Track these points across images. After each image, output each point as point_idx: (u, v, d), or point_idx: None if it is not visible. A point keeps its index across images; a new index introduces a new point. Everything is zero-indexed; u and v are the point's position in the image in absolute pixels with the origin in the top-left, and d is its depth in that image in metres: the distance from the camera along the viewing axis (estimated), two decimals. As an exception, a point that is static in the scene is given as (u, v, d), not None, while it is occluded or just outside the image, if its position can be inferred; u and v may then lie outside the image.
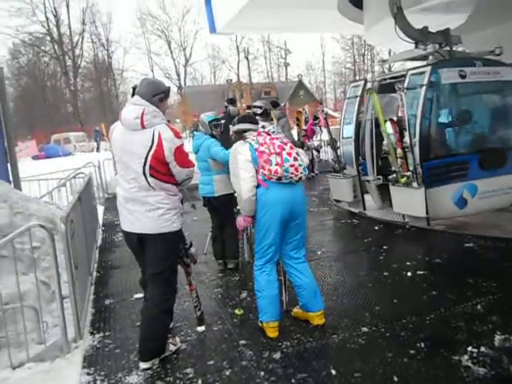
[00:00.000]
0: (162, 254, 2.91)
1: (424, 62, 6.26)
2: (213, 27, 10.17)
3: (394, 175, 5.87)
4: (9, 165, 5.75)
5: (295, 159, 3.04)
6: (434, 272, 4.19)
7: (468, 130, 5.94)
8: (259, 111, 5.20)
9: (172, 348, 3.05)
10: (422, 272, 4.17)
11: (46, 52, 42.93)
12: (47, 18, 41.13)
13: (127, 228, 2.98)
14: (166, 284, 2.95)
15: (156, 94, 2.86)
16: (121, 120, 2.88)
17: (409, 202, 5.64)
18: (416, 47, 6.38)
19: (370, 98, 6.37)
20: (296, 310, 3.43)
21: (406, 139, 5.54)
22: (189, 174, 2.95)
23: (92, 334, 3.48)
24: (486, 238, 5.01)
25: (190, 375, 2.77)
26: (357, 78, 47.89)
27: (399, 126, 5.77)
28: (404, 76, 6.02)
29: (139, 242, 2.94)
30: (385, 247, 5.07)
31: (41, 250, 4.13)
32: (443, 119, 5.93)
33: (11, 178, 5.70)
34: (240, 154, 3.10)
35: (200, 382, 2.69)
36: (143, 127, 2.78)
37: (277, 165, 3.00)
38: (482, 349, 2.75)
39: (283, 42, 46.70)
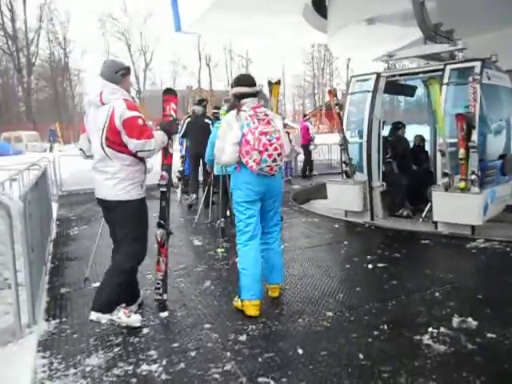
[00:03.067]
0: (120, 220, 3.14)
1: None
2: (178, 25, 10.10)
3: (445, 180, 5.28)
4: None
5: (274, 160, 3.15)
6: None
7: (504, 134, 5.90)
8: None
9: (122, 317, 3.03)
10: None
11: (-1, 47, 41.16)
12: (1, 12, 39.47)
13: (96, 194, 3.23)
14: (125, 248, 3.13)
15: (117, 71, 3.12)
16: (89, 98, 3.18)
17: (464, 210, 5.14)
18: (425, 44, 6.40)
19: (429, 88, 5.60)
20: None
21: (474, 138, 5.09)
22: (139, 144, 3.01)
23: (47, 320, 3.30)
24: None
25: (154, 356, 2.68)
26: (315, 91, 49.16)
27: (467, 123, 5.14)
28: (415, 73, 6.11)
29: (105, 210, 3.24)
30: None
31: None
32: (495, 120, 5.71)
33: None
34: (230, 130, 3.22)
35: (164, 362, 2.61)
36: (102, 103, 3.04)
37: (254, 161, 3.12)
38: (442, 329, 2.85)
39: (245, 51, 47.09)
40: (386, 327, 2.92)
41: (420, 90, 8.17)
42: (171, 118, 3.47)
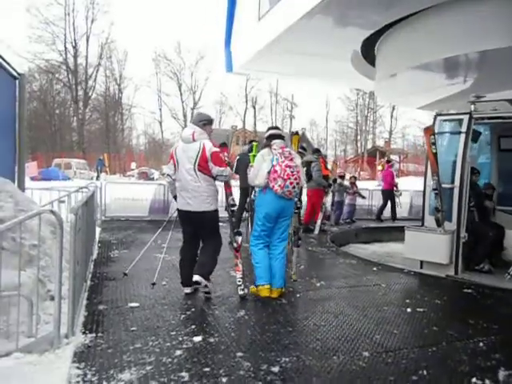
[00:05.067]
0: (206, 224, 4.37)
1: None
2: (230, 67, 10.53)
3: None
4: (16, 168, 5.78)
5: (293, 187, 4.25)
6: None
7: None
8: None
9: (209, 286, 4.32)
10: None
11: (60, 80, 43.93)
12: (66, 48, 42.37)
13: (182, 207, 4.36)
14: (214, 240, 4.44)
15: (200, 121, 4.42)
16: (181, 137, 4.44)
17: None
18: None
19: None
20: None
21: None
22: (219, 171, 4.27)
23: (84, 333, 3.36)
24: None
25: (185, 378, 2.66)
26: (358, 137, 49.24)
27: None
28: (501, 118, 5.88)
29: (189, 219, 4.37)
30: None
31: (40, 249, 4.08)
32: None
33: (16, 181, 5.70)
34: (265, 161, 4.32)
35: (195, 384, 2.59)
36: (194, 140, 4.29)
37: (279, 186, 4.22)
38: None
39: (290, 95, 48.15)
40: (425, 373, 2.80)
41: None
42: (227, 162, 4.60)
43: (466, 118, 5.94)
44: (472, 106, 6.02)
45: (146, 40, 69.64)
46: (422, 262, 6.06)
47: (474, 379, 2.71)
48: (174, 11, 74.15)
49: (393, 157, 41.11)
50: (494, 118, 5.97)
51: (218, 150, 4.31)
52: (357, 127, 49.75)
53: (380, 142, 48.55)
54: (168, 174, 4.48)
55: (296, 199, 4.75)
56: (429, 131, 6.02)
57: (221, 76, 45.05)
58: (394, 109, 45.53)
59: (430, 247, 5.86)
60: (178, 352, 3.05)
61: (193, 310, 3.99)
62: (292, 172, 4.21)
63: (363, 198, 12.51)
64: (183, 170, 4.27)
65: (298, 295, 4.57)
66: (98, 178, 28.11)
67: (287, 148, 4.39)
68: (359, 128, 49.42)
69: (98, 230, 8.56)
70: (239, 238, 4.49)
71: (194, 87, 49.16)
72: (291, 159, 4.28)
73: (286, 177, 4.18)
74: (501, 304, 4.65)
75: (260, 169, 4.29)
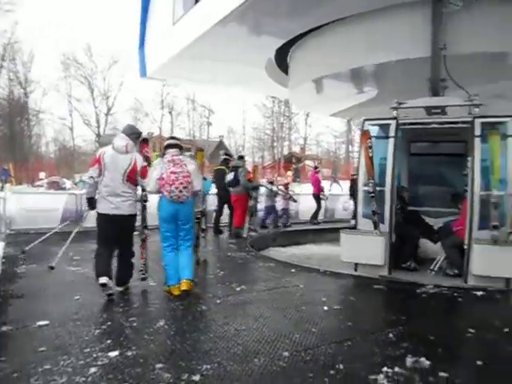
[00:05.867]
0: (130, 227, 4.83)
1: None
2: (144, 71, 10.32)
3: (495, 233, 5.28)
4: None
5: (180, 191, 4.55)
6: None
7: None
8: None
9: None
10: None
11: (-44, 82, 40.06)
12: (-39, 49, 38.84)
13: (110, 211, 4.60)
14: (129, 248, 4.88)
15: (132, 133, 4.86)
16: (113, 145, 4.70)
17: (510, 263, 5.20)
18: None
19: (489, 139, 5.51)
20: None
21: None
22: (143, 182, 4.79)
23: (-16, 359, 3.06)
24: None
25: (101, 396, 2.53)
26: (275, 144, 50.52)
27: None
28: (426, 123, 6.15)
29: (116, 222, 4.62)
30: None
31: None
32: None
33: None
34: (155, 169, 4.67)
35: (112, 401, 2.47)
36: (127, 152, 4.68)
37: (167, 191, 4.56)
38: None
39: (207, 102, 48.15)
40: (341, 367, 2.92)
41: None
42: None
43: (393, 123, 6.14)
44: (394, 112, 6.29)
45: (54, 41, 65.65)
46: (356, 265, 6.16)
47: (384, 368, 2.87)
48: (85, 12, 71.09)
49: (308, 162, 42.78)
50: (414, 124, 6.31)
51: (146, 164, 4.87)
52: (273, 134, 50.91)
53: (296, 149, 50.21)
54: (91, 176, 4.69)
55: (200, 206, 5.28)
56: (366, 135, 6.12)
57: (136, 81, 43.73)
58: (308, 116, 47.35)
59: (365, 249, 5.97)
60: (93, 370, 2.88)
61: (109, 323, 3.80)
62: (177, 177, 4.53)
63: (295, 201, 12.93)
64: (112, 176, 4.59)
65: (218, 301, 4.54)
66: (2, 188, 25.93)
67: (180, 156, 4.72)
68: (276, 135, 50.63)
69: (1, 244, 7.88)
70: (146, 231, 5.21)
71: (108, 92, 47.38)
72: (181, 166, 4.61)
73: (171, 182, 4.51)
74: (410, 297, 4.97)
75: (151, 176, 4.66)
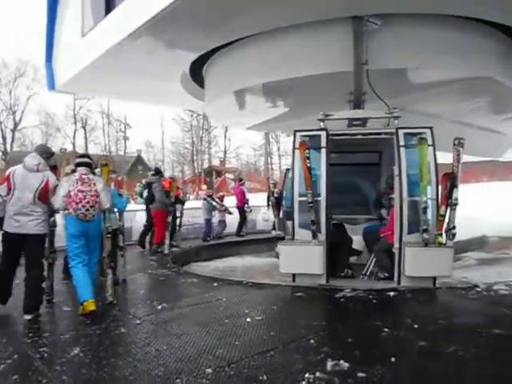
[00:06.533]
0: (37, 247, 4.67)
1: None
2: (52, 84, 9.77)
3: (425, 236, 5.61)
4: None
5: (87, 210, 4.54)
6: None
7: None
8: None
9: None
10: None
11: None
12: None
13: (17, 230, 4.50)
14: (36, 269, 4.62)
15: (45, 153, 4.81)
16: (24, 164, 4.63)
17: (439, 263, 5.63)
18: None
19: (418, 148, 5.84)
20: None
21: (456, 196, 5.65)
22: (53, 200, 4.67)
23: None
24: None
25: None
26: (194, 157, 50.27)
27: (451, 182, 5.75)
28: (352, 135, 6.46)
29: (22, 241, 4.53)
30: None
31: None
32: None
33: None
34: (62, 187, 4.63)
35: None
36: (38, 171, 4.61)
37: (73, 209, 4.53)
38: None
39: (123, 116, 46.71)
40: (265, 378, 2.92)
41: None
42: None
43: (323, 133, 6.32)
44: (321, 124, 6.53)
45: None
46: (294, 275, 6.16)
47: (306, 374, 2.92)
48: (-17, 22, 65.87)
49: (228, 175, 43.06)
50: (341, 135, 6.57)
51: (57, 183, 4.77)
52: (193, 148, 50.66)
53: (216, 162, 50.30)
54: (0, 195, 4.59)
55: (109, 225, 5.13)
56: (303, 145, 6.19)
57: (46, 95, 41.27)
58: (227, 129, 47.77)
59: (304, 259, 6.01)
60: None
61: (15, 356, 3.47)
62: (84, 196, 4.53)
63: (230, 213, 12.93)
64: (21, 194, 4.51)
65: (138, 321, 4.36)
66: None
67: (89, 174, 4.73)
68: (195, 148, 50.44)
69: None
70: (53, 255, 5.06)
71: (14, 106, 44.28)
72: (89, 184, 4.61)
73: (78, 200, 4.51)
74: (329, 302, 5.16)
75: (58, 193, 4.61)
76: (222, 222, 12.49)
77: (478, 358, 3.28)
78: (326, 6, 6.50)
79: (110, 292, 5.08)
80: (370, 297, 5.14)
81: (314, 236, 6.00)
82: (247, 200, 13.44)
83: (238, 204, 13.24)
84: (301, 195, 6.20)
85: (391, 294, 5.27)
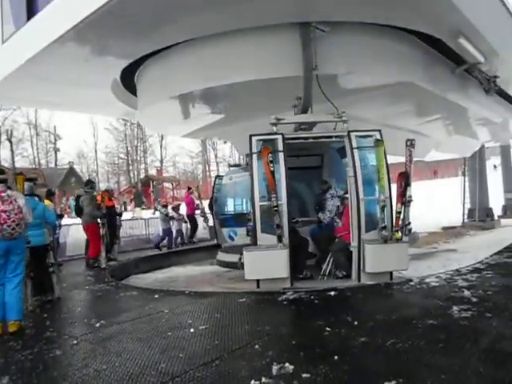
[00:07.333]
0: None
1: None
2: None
3: (385, 233, 5.91)
4: None
5: (13, 229, 4.43)
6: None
7: None
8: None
9: None
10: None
11: None
12: None
13: None
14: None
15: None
16: None
17: (396, 258, 5.95)
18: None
19: (375, 149, 6.14)
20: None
21: (410, 193, 5.97)
22: None
23: None
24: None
25: None
26: (130, 167, 48.94)
27: (406, 181, 6.08)
28: (305, 138, 6.61)
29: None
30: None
31: None
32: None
33: None
34: None
35: None
36: None
37: None
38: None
39: (53, 126, 44.46)
40: (211, 389, 2.87)
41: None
42: None
43: (279, 137, 6.35)
44: (274, 128, 6.54)
45: None
46: (258, 281, 6.07)
47: (252, 381, 2.91)
48: None
49: (166, 184, 42.32)
50: (296, 139, 6.73)
51: None
52: (128, 157, 49.25)
53: (152, 171, 49.23)
54: None
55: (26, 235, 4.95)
56: (266, 150, 6.16)
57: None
58: (162, 138, 46.95)
59: (270, 264, 5.94)
60: None
61: None
62: (8, 216, 4.41)
63: (185, 222, 13.21)
64: None
65: (74, 342, 4.14)
66: None
67: (8, 191, 4.59)
68: (130, 158, 49.08)
69: None
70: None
71: None
72: (10, 202, 4.48)
73: (2, 221, 4.37)
74: (273, 305, 5.20)
75: None
76: (179, 231, 12.74)
77: (414, 349, 3.42)
78: (271, 11, 6.34)
79: (30, 302, 5.21)
80: (312, 297, 5.23)
81: (280, 240, 5.97)
82: (197, 206, 13.55)
83: (189, 212, 13.49)
84: (261, 200, 6.17)
85: (332, 293, 5.40)
